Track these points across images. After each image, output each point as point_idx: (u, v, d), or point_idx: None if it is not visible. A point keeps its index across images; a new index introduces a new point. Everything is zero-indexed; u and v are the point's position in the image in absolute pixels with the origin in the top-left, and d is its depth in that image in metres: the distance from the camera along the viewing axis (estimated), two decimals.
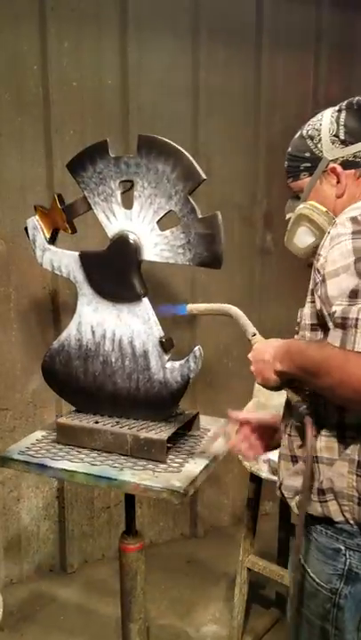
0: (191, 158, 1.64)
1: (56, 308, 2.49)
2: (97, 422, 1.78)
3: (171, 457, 1.69)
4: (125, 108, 2.48)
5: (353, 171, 1.28)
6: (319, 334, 1.20)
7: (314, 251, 1.27)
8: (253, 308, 2.89)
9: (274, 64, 2.74)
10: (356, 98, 1.30)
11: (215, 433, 1.75)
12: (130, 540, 1.81)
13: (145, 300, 1.75)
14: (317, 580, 1.23)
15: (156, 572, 2.63)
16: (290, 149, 1.37)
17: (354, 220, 1.13)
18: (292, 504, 1.29)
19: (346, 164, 1.28)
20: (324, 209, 1.29)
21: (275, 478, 2.08)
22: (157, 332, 1.74)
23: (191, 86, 2.60)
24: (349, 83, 2.93)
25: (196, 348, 1.69)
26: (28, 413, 2.53)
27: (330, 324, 1.11)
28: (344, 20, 2.87)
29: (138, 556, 1.81)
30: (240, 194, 2.70)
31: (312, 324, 1.22)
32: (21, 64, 2.28)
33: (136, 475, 1.59)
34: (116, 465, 1.65)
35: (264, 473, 2.20)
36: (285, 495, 1.30)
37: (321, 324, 1.19)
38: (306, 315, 1.24)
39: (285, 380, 1.27)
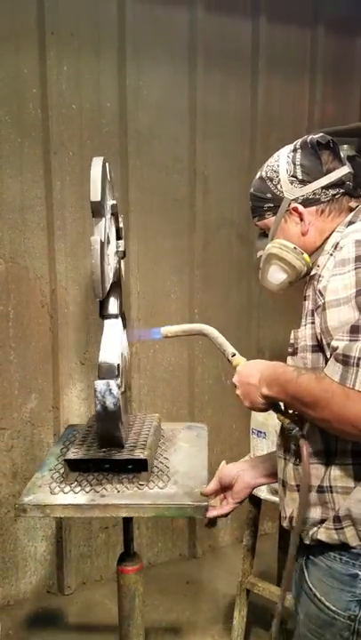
0: None
1: (54, 327, 2.50)
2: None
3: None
4: (124, 130, 2.51)
5: (315, 207, 1.31)
6: (321, 357, 1.20)
7: (288, 285, 1.35)
8: (251, 326, 2.90)
9: (270, 87, 2.79)
10: (310, 137, 1.34)
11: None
12: (128, 561, 1.80)
13: (105, 322, 1.72)
14: (333, 608, 1.20)
15: (154, 594, 2.60)
16: (252, 190, 1.41)
17: (358, 242, 1.13)
18: (306, 537, 1.26)
19: (307, 202, 1.31)
20: (292, 245, 1.32)
21: (274, 499, 2.08)
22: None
23: (188, 108, 2.63)
24: (344, 105, 2.98)
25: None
26: (26, 433, 2.52)
27: (327, 353, 1.13)
28: (339, 43, 2.92)
29: (136, 578, 1.79)
30: (237, 213, 2.73)
31: (313, 346, 1.22)
32: (21, 87, 2.32)
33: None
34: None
35: (263, 493, 2.19)
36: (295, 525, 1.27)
37: (322, 346, 1.19)
38: (307, 336, 1.23)
39: (272, 404, 1.29)
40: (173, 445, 1.92)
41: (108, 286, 1.59)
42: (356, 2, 2.90)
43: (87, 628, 2.49)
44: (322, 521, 1.21)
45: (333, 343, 1.09)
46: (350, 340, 1.06)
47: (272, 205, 1.36)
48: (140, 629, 1.81)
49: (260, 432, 2.43)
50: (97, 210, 1.53)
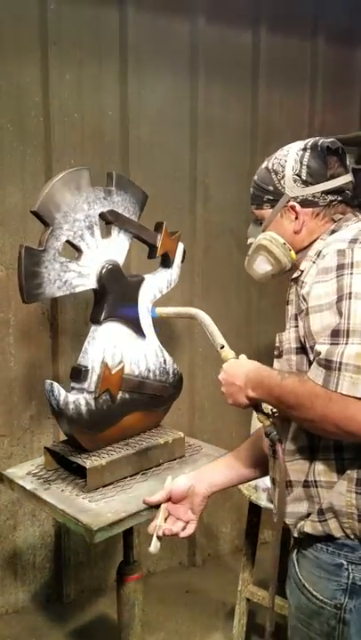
0: None
1: (55, 334, 2.51)
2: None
3: None
4: (125, 138, 2.52)
5: (311, 209, 1.36)
6: (305, 358, 1.26)
7: (270, 276, 1.43)
8: (251, 332, 2.91)
9: (270, 96, 2.81)
10: (322, 139, 1.37)
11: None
12: (128, 570, 1.80)
13: (92, 327, 1.78)
14: (321, 597, 1.24)
15: (153, 602, 2.59)
16: (256, 178, 1.45)
17: (340, 252, 1.18)
18: (294, 530, 1.30)
19: (305, 203, 1.36)
20: (282, 241, 1.38)
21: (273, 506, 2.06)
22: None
23: (189, 118, 2.65)
24: (344, 114, 3.00)
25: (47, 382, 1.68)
26: (26, 440, 2.52)
27: (310, 356, 1.19)
28: (339, 53, 2.95)
29: (136, 587, 1.79)
30: (237, 220, 2.74)
31: (297, 348, 1.28)
32: (24, 95, 2.33)
33: None
34: None
35: (263, 502, 2.18)
36: (287, 522, 1.32)
37: (306, 348, 1.24)
38: (291, 339, 1.29)
39: (255, 404, 1.36)
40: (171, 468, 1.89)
41: (42, 292, 1.63)
42: (355, 12, 2.93)
43: (86, 637, 2.48)
44: (308, 514, 1.26)
45: (316, 347, 1.14)
46: (331, 344, 1.11)
47: (272, 198, 1.40)
48: (140, 638, 1.80)
49: None
50: (39, 219, 1.60)
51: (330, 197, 1.35)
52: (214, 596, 2.72)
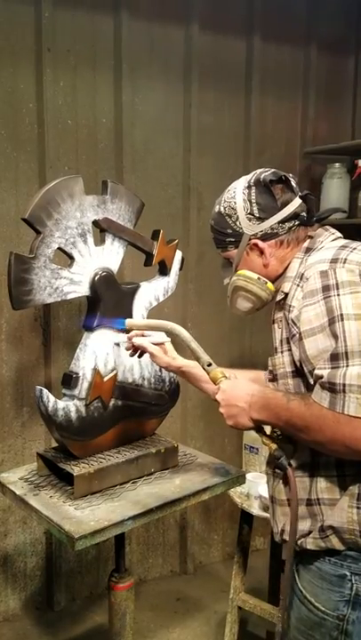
0: None
1: (47, 340, 2.50)
2: None
3: None
4: (119, 145, 2.53)
5: (273, 241, 1.38)
6: (301, 382, 1.27)
7: (256, 310, 1.45)
8: (244, 339, 2.92)
9: (263, 104, 2.83)
10: (263, 173, 1.39)
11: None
12: (119, 578, 1.79)
13: (84, 333, 1.79)
14: (323, 609, 1.24)
15: (145, 610, 2.58)
16: (213, 223, 1.47)
17: (323, 273, 1.20)
18: (295, 545, 1.29)
19: (266, 237, 1.38)
20: (256, 276, 1.40)
21: (265, 515, 2.07)
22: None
23: (183, 125, 2.66)
24: (336, 123, 3.02)
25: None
26: (17, 447, 2.51)
27: (310, 380, 1.19)
28: (331, 62, 2.97)
29: (127, 595, 1.78)
30: None
31: (293, 372, 1.29)
32: (18, 102, 2.33)
33: None
34: None
35: (255, 510, 2.18)
36: (287, 539, 1.31)
37: (301, 371, 1.25)
38: (286, 363, 1.31)
39: (258, 426, 1.34)
40: (163, 477, 1.87)
41: (32, 299, 1.63)
42: (347, 22, 2.96)
43: None
44: (309, 532, 1.26)
45: (317, 372, 1.15)
46: (333, 368, 1.13)
47: (233, 240, 1.42)
48: None
49: (253, 448, 2.43)
50: (30, 226, 1.61)
51: (288, 224, 1.37)
52: (206, 603, 2.71)
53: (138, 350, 1.70)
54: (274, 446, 1.31)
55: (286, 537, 1.30)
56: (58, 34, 2.34)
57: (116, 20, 2.45)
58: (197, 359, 1.48)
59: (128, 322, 1.70)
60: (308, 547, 1.24)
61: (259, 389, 1.32)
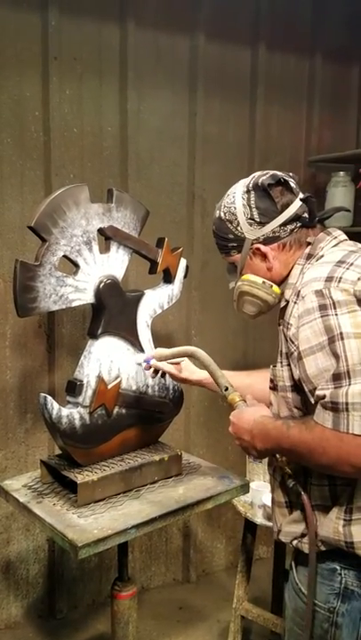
0: None
1: (51, 347, 2.50)
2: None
3: None
4: (124, 153, 2.54)
5: (276, 244, 1.38)
6: (300, 396, 1.28)
7: (264, 312, 1.47)
8: (248, 347, 2.91)
9: (268, 113, 2.83)
10: (261, 179, 1.38)
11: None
12: (122, 586, 1.79)
13: (89, 341, 1.81)
14: (315, 601, 1.27)
15: (147, 619, 2.57)
16: (214, 228, 1.48)
17: (318, 293, 1.20)
18: (290, 544, 1.34)
19: (268, 241, 1.38)
20: (261, 280, 1.41)
21: (269, 524, 2.07)
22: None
23: (188, 134, 2.67)
24: (341, 132, 3.03)
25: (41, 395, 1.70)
26: (20, 454, 2.51)
27: (311, 399, 1.19)
28: (336, 72, 2.98)
29: (130, 604, 1.77)
30: None
31: (292, 386, 1.30)
32: (24, 109, 2.35)
33: None
34: None
35: (259, 519, 2.17)
36: (283, 540, 1.36)
37: (300, 387, 1.26)
38: (285, 377, 1.31)
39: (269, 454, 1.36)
40: (166, 485, 1.88)
41: (37, 306, 1.65)
42: (352, 31, 2.97)
43: None
44: (302, 535, 1.30)
45: (319, 392, 1.15)
46: (335, 388, 1.12)
47: (236, 245, 1.42)
48: None
49: None
50: (36, 234, 1.63)
51: (289, 227, 1.37)
52: (208, 612, 2.70)
53: (158, 371, 1.84)
54: (287, 469, 1.31)
55: (282, 537, 1.35)
56: (64, 42, 2.36)
57: (122, 29, 2.46)
58: (216, 383, 1.52)
59: (156, 354, 1.81)
60: (303, 549, 1.29)
61: (260, 421, 1.32)
